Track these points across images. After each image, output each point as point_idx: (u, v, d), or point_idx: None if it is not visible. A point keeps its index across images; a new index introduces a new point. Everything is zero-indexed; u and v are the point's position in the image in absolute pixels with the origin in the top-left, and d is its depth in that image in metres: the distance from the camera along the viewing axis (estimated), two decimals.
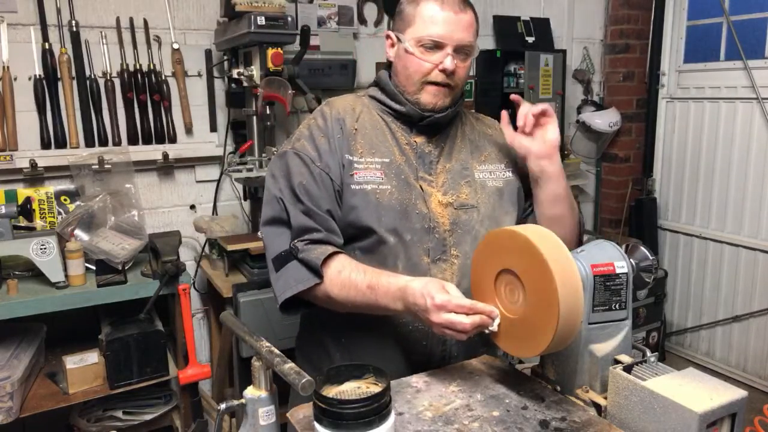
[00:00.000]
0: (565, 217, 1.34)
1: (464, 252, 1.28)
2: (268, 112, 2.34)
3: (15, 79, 2.28)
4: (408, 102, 1.30)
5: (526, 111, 1.28)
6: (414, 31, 1.26)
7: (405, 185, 1.27)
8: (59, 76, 2.33)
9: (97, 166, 2.39)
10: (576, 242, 1.39)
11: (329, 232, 1.22)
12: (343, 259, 1.20)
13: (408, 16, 1.28)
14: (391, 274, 1.16)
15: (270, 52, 2.22)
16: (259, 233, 1.35)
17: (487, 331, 1.06)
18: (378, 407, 0.87)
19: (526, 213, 1.42)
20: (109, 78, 2.42)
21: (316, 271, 1.17)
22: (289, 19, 2.26)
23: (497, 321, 1.05)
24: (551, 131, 1.28)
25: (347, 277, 1.16)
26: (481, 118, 1.48)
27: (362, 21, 2.96)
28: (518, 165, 1.41)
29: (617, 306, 1.10)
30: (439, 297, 1.03)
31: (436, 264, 1.27)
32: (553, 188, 1.30)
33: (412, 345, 1.28)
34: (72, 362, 2.02)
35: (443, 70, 1.25)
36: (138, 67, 2.47)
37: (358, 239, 1.27)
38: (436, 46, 1.24)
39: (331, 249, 1.20)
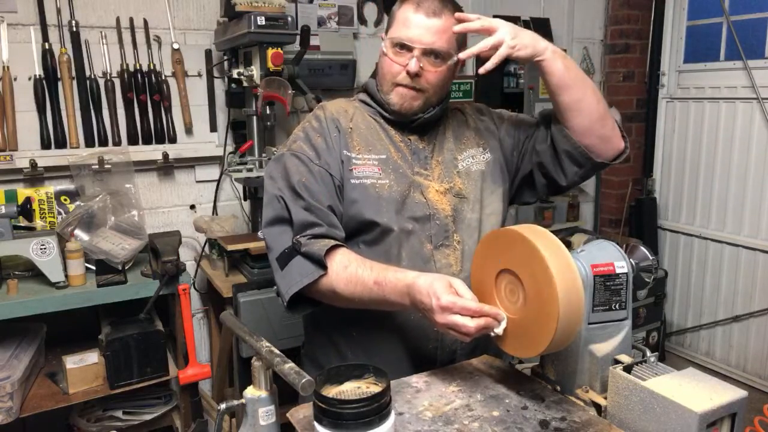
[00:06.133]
0: (581, 103, 1.31)
1: (463, 239, 1.32)
2: (268, 112, 2.33)
3: (15, 79, 2.27)
4: (391, 110, 1.33)
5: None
6: (391, 33, 1.30)
7: (402, 179, 1.30)
8: (59, 76, 2.33)
9: (97, 166, 2.39)
10: (609, 133, 1.35)
11: (331, 226, 1.23)
12: (348, 253, 1.21)
13: (391, 18, 1.32)
14: (398, 270, 1.15)
15: (270, 52, 2.22)
16: (259, 233, 1.35)
17: (492, 334, 1.05)
18: (378, 407, 0.87)
19: (523, 151, 1.43)
20: (109, 78, 2.42)
21: (320, 263, 1.17)
22: (289, 19, 2.26)
23: (503, 325, 1.04)
24: (496, 34, 1.23)
25: (353, 272, 1.16)
26: (457, 108, 1.50)
27: (362, 21, 2.96)
28: (500, 137, 1.43)
29: (617, 306, 1.11)
30: (445, 298, 1.02)
31: (438, 250, 1.29)
32: (554, 74, 1.28)
33: (424, 332, 1.28)
34: (72, 362, 2.02)
35: (408, 72, 1.27)
36: (138, 67, 2.47)
37: (361, 233, 1.28)
38: (405, 48, 1.27)
39: (333, 242, 1.20)
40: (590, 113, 1.32)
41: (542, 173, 1.43)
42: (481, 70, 1.27)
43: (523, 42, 1.25)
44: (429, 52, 1.27)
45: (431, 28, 1.25)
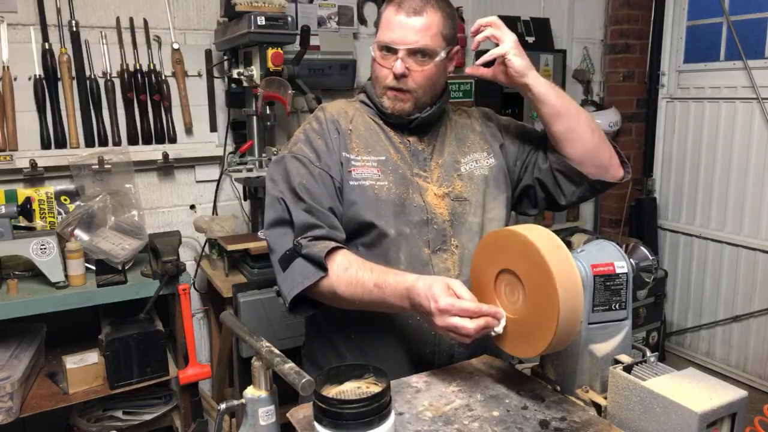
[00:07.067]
0: (574, 133, 1.33)
1: (462, 243, 1.31)
2: (268, 112, 2.33)
3: (15, 79, 2.27)
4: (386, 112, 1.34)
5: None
6: (377, 36, 1.31)
7: (401, 180, 1.30)
8: (59, 76, 2.33)
9: (97, 166, 2.39)
10: (606, 162, 1.38)
11: (331, 228, 1.23)
12: (348, 254, 1.21)
13: (378, 21, 1.33)
14: (398, 273, 1.15)
15: (270, 52, 2.22)
16: (260, 233, 1.36)
17: (492, 334, 1.05)
18: (378, 407, 0.87)
19: (526, 163, 1.44)
20: (109, 78, 2.42)
21: (321, 265, 1.18)
22: (289, 19, 2.26)
23: (502, 323, 1.04)
24: (503, 48, 1.29)
25: (354, 274, 1.16)
26: (463, 110, 1.50)
27: (362, 21, 2.96)
28: (503, 144, 1.44)
29: (617, 306, 1.11)
30: (443, 301, 1.02)
31: (436, 254, 1.29)
32: (543, 98, 1.32)
33: (422, 335, 1.28)
34: (72, 362, 2.02)
35: (394, 75, 1.28)
36: (138, 67, 2.46)
37: (360, 235, 1.29)
38: (390, 50, 1.27)
39: (333, 243, 1.20)
40: (584, 143, 1.34)
41: (542, 188, 1.43)
42: (479, 62, 1.35)
43: (522, 53, 1.30)
44: (414, 52, 1.27)
45: (413, 27, 1.25)
